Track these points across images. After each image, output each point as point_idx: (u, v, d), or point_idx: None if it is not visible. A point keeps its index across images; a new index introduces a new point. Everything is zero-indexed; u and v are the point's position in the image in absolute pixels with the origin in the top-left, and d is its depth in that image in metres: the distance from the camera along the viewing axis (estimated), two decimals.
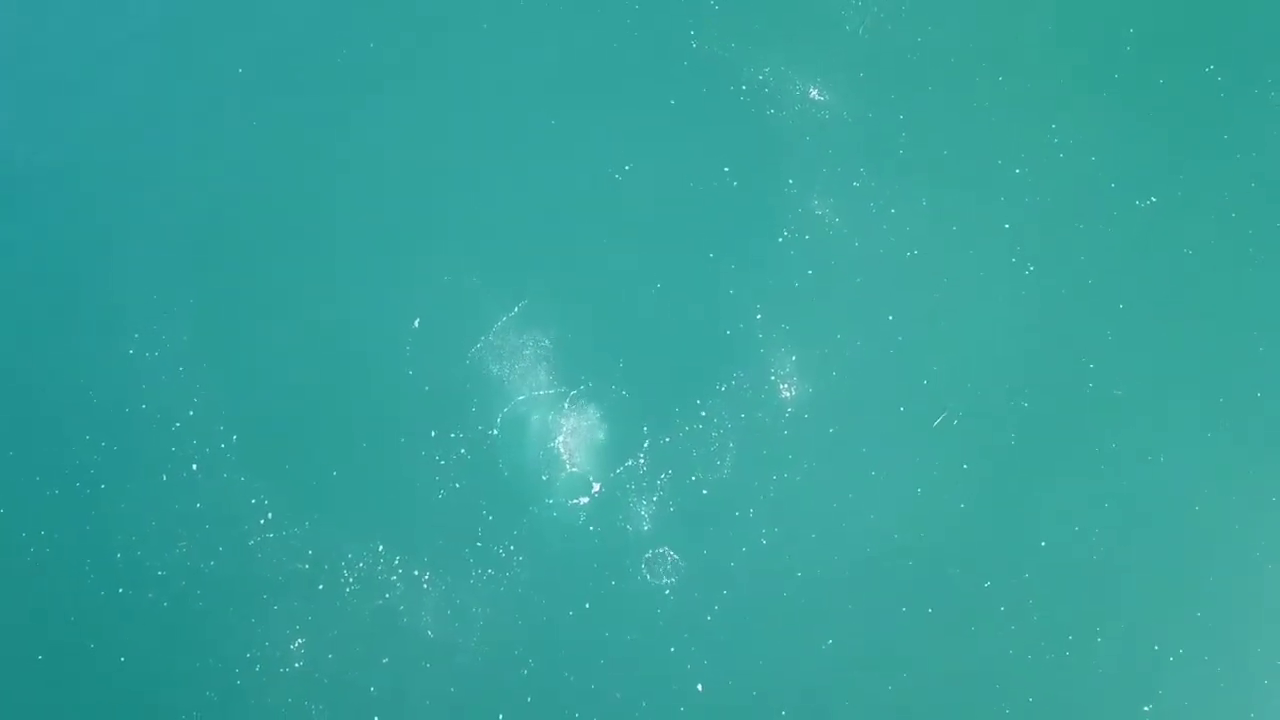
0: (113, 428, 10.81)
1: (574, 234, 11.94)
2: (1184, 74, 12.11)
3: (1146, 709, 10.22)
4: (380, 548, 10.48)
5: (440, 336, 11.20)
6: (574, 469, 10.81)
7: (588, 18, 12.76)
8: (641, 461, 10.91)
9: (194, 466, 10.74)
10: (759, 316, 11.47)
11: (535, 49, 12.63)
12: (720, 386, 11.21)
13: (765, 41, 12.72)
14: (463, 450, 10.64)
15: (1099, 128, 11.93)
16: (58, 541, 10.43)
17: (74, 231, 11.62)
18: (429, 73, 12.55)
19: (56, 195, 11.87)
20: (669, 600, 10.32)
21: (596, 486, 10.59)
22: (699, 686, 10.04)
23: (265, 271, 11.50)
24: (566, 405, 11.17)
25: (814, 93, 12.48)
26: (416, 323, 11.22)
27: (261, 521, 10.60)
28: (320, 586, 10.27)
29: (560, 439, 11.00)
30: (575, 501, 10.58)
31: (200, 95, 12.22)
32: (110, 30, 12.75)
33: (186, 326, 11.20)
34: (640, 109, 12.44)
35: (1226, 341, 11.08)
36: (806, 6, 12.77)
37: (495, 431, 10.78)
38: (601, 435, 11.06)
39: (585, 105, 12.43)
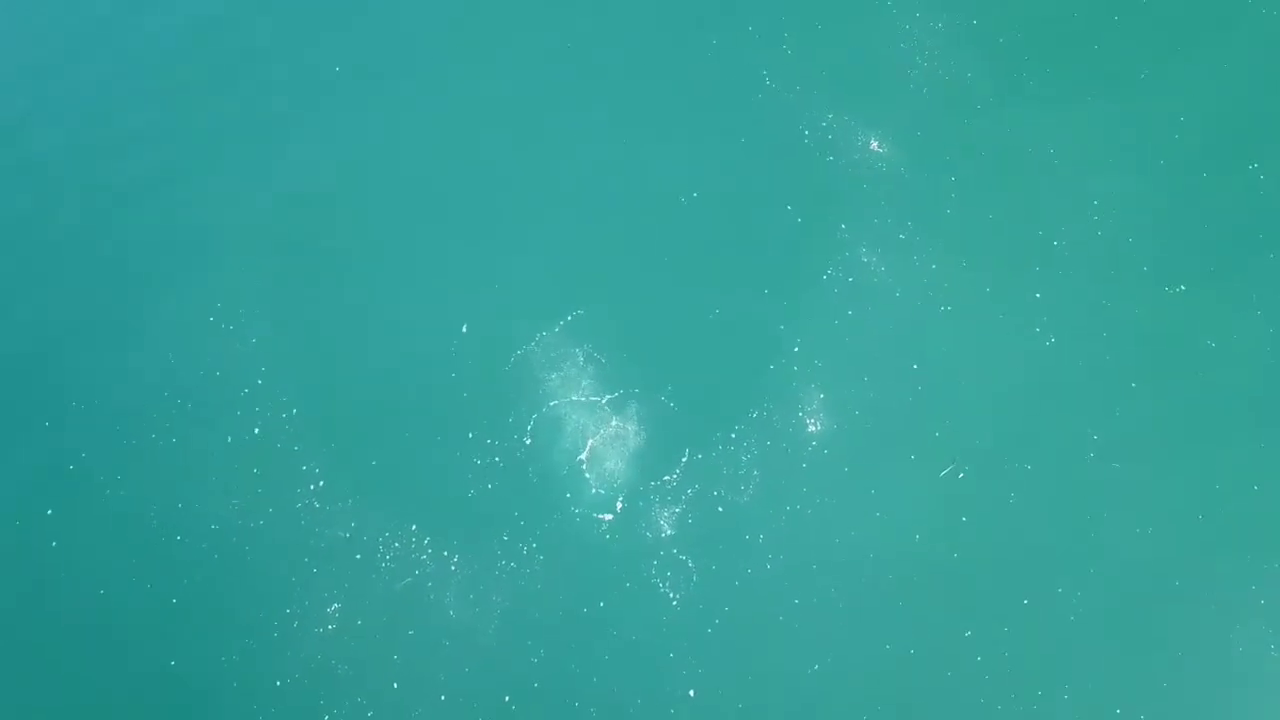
0: (189, 387, 12.05)
1: (635, 252, 12.96)
2: (1228, 169, 12.82)
3: None
4: (414, 527, 11.56)
5: (487, 342, 12.23)
6: (600, 489, 11.72)
7: (673, 50, 13.84)
8: (676, 476, 11.84)
9: (256, 430, 11.91)
10: (796, 349, 12.41)
11: (621, 74, 13.76)
12: (753, 413, 12.13)
13: (832, 90, 13.61)
14: (497, 458, 11.64)
15: (1140, 212, 12.69)
16: (130, 486, 11.64)
17: (180, 214, 12.91)
18: (509, 88, 13.60)
19: (166, 183, 13.17)
20: (674, 609, 11.25)
21: (620, 504, 11.61)
22: (691, 692, 10.94)
23: (337, 267, 12.68)
24: (604, 415, 12.16)
25: (874, 144, 13.34)
26: (464, 328, 12.29)
27: (311, 487, 11.75)
28: (358, 556, 11.36)
29: (593, 448, 11.99)
30: (601, 516, 11.58)
31: (299, 99, 13.47)
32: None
33: (265, 306, 12.41)
34: (712, 139, 13.50)
35: (1229, 435, 11.73)
36: (874, 63, 13.70)
37: (529, 440, 11.76)
38: (637, 444, 12.00)
39: (661, 130, 13.49)
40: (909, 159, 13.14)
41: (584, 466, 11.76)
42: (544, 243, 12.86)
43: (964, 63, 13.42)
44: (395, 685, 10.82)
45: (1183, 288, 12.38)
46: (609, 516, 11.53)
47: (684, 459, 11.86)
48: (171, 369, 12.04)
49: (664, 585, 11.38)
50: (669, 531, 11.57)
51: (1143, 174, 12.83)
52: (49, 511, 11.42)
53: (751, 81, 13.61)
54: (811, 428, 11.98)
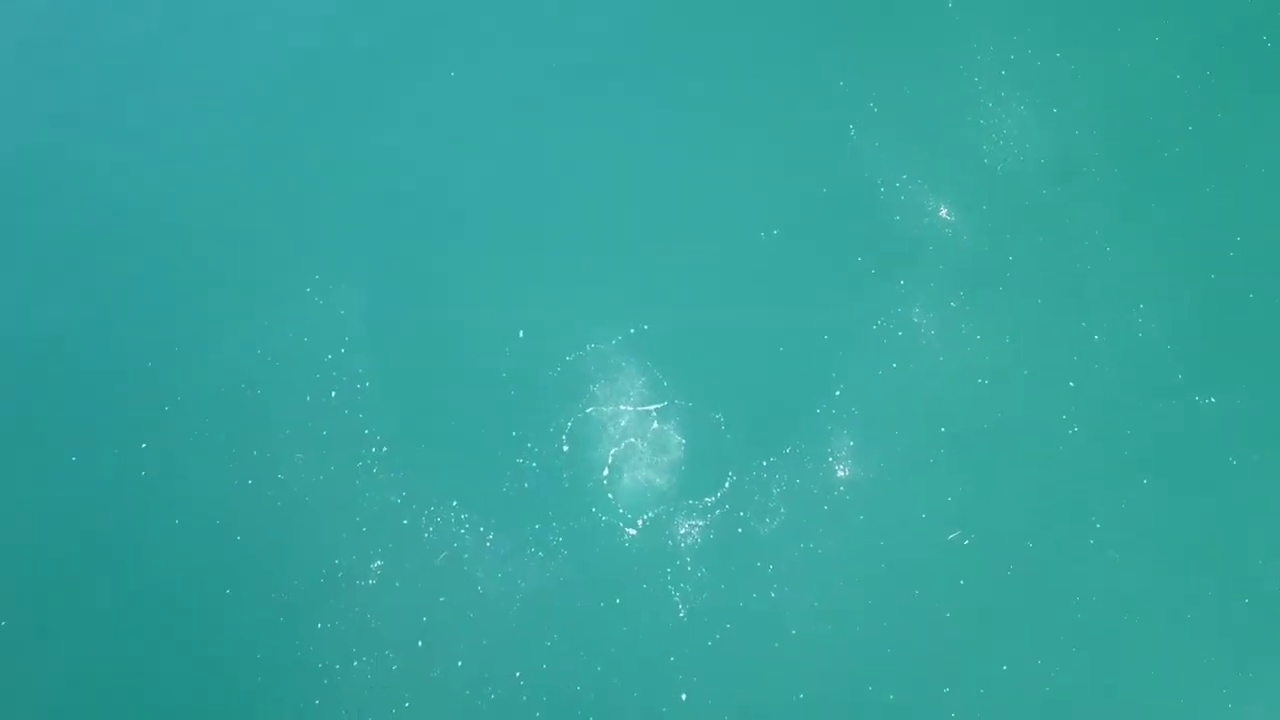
0: (280, 348, 13.40)
1: (706, 279, 13.99)
2: (1275, 290, 13.58)
3: None
4: (454, 503, 12.84)
5: (540, 350, 13.44)
6: (630, 496, 12.87)
7: (769, 94, 14.82)
8: (706, 495, 12.96)
9: (333, 394, 13.26)
10: (838, 394, 13.43)
11: (721, 113, 14.74)
12: (787, 449, 13.18)
13: (910, 152, 14.52)
14: (534, 465, 12.85)
15: (1183, 321, 13.52)
16: (212, 431, 13.03)
17: (293, 195, 14.27)
18: (612, 113, 14.69)
19: (274, 161, 14.51)
20: (681, 618, 12.41)
21: (648, 513, 12.78)
22: (683, 696, 12.12)
23: (422, 261, 13.91)
24: (645, 428, 13.29)
25: (943, 211, 14.24)
26: (521, 334, 13.51)
27: (373, 450, 13.07)
28: (404, 522, 12.68)
29: (629, 456, 13.14)
30: (627, 526, 12.76)
31: (409, 107, 14.76)
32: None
33: (355, 287, 13.71)
34: (796, 181, 14.48)
35: (1230, 548, 12.61)
36: (953, 133, 14.56)
37: (566, 448, 12.95)
38: (673, 459, 13.10)
39: (749, 167, 14.51)
40: (972, 230, 14.05)
41: (618, 473, 12.93)
42: (620, 258, 13.98)
43: (1038, 147, 14.24)
44: (420, 644, 12.17)
45: (1212, 400, 13.19)
46: (636, 525, 12.70)
47: (717, 480, 12.96)
48: (266, 329, 13.40)
49: (676, 594, 12.54)
50: (689, 545, 12.73)
51: (1192, 285, 13.63)
52: (143, 445, 12.91)
53: (838, 132, 14.55)
54: (839, 473, 13.03)
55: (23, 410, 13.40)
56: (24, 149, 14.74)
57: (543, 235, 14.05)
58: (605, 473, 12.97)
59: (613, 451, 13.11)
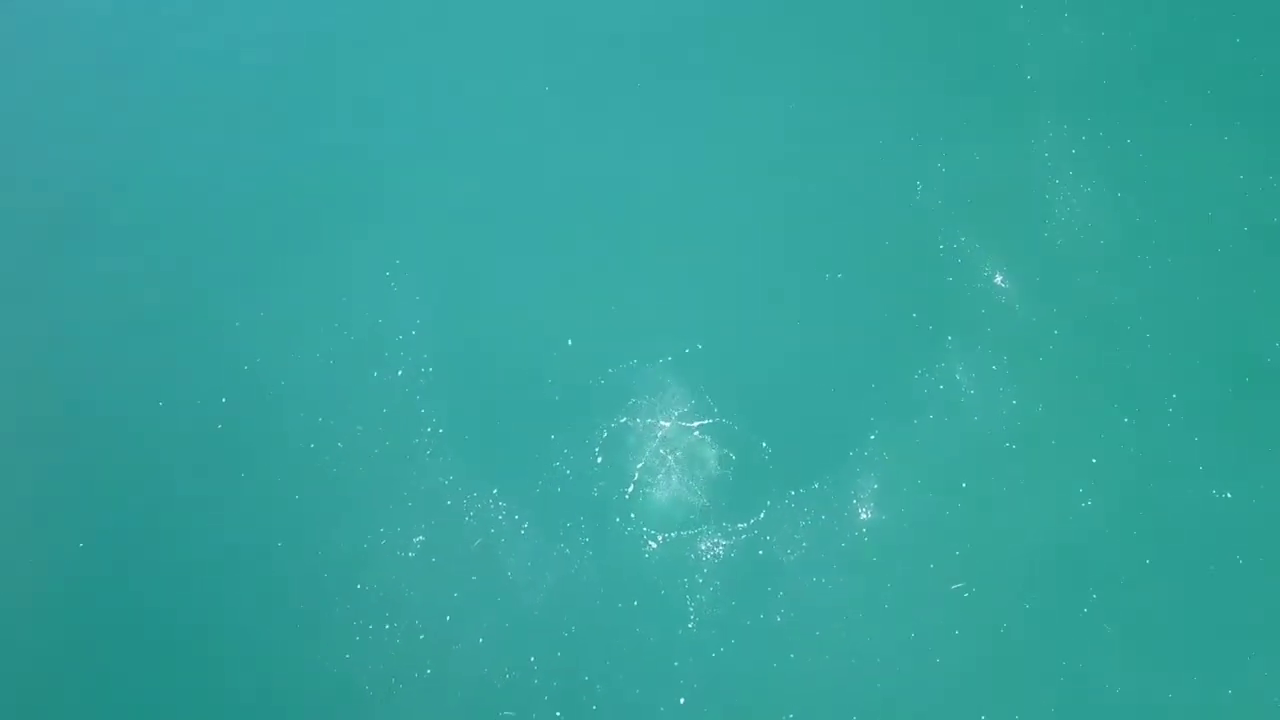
0: (355, 324, 14.68)
1: (765, 314, 14.94)
2: None
3: None
4: (495, 491, 14.01)
5: (587, 358, 14.50)
6: (659, 507, 13.93)
7: (843, 144, 15.68)
8: (735, 517, 13.96)
9: (399, 373, 14.47)
10: (872, 438, 14.29)
11: (796, 159, 15.63)
12: (815, 484, 14.11)
13: (973, 216, 15.29)
14: (568, 471, 13.94)
15: (1211, 416, 14.15)
16: (290, 393, 14.35)
17: (376, 187, 15.56)
18: (696, 150, 15.70)
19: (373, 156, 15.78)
20: (690, 628, 13.43)
21: (675, 526, 13.79)
22: (681, 700, 13.17)
23: (492, 256, 15.09)
24: (681, 443, 14.29)
25: (998, 278, 14.98)
26: (570, 341, 14.58)
27: (427, 430, 14.25)
28: (448, 503, 13.86)
29: (661, 468, 14.16)
30: (653, 534, 13.80)
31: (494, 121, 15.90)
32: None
33: (430, 276, 14.92)
34: (862, 230, 15.32)
35: (1226, 643, 13.23)
36: (1017, 203, 15.28)
37: (600, 459, 14.02)
38: (706, 476, 14.10)
39: (819, 213, 15.38)
40: (1023, 300, 14.77)
41: (651, 486, 13.96)
42: (684, 281, 14.98)
43: (1098, 229, 14.91)
44: (448, 618, 13.37)
45: (1229, 495, 13.83)
46: (662, 536, 13.75)
47: (750, 506, 13.93)
48: (344, 306, 14.69)
49: (690, 604, 13.58)
50: (710, 560, 13.74)
51: (1226, 384, 14.26)
52: (223, 400, 14.27)
53: (905, 187, 15.36)
54: (862, 514, 13.93)
55: (125, 365, 14.78)
56: (122, 142, 16.11)
57: (612, 250, 15.11)
58: (633, 484, 13.97)
59: (639, 465, 14.13)
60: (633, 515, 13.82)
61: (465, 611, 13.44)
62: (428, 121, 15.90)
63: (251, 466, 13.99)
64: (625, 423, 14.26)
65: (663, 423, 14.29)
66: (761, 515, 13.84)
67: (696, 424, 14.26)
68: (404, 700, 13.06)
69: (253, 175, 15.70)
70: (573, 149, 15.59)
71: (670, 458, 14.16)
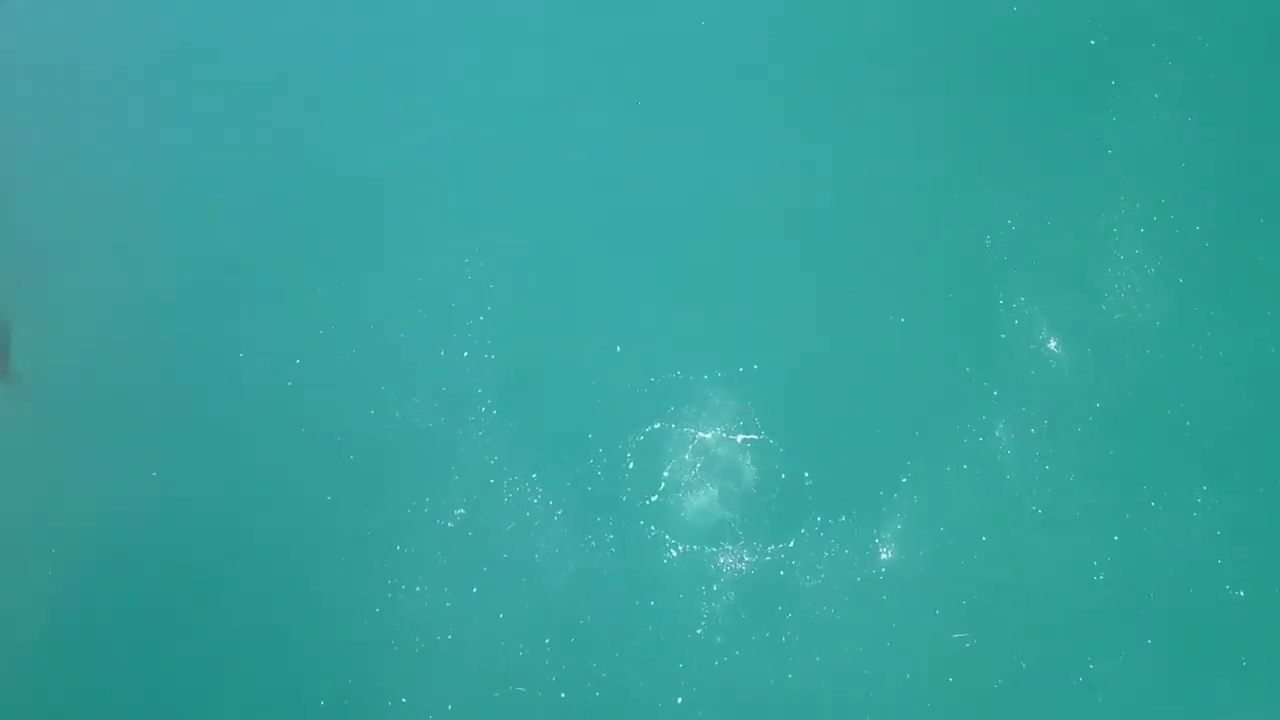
0: (429, 304, 15.66)
1: (822, 348, 15.58)
2: None
3: None
4: (534, 476, 14.96)
5: (634, 366, 15.34)
6: (689, 515, 14.79)
7: (912, 192, 16.22)
8: (761, 536, 14.68)
9: (465, 354, 15.45)
10: (904, 480, 14.91)
11: (870, 193, 16.23)
12: (842, 517, 14.78)
13: (1036, 277, 15.72)
14: (600, 472, 14.82)
15: (1239, 514, 14.53)
16: (357, 360, 15.44)
17: (463, 177, 16.51)
18: (759, 174, 16.36)
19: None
20: (699, 634, 14.25)
21: (682, 547, 14.65)
22: (679, 700, 14.05)
23: (564, 254, 15.99)
24: (718, 454, 15.05)
25: (1052, 342, 15.43)
26: (618, 348, 15.44)
27: (481, 410, 15.22)
28: (491, 481, 14.86)
29: (693, 476, 14.94)
30: (670, 550, 14.67)
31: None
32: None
33: (505, 268, 15.85)
34: (928, 278, 15.82)
35: None
36: (1079, 271, 15.67)
37: (631, 465, 14.87)
38: (740, 491, 14.86)
39: (887, 254, 15.97)
40: (1072, 368, 15.22)
41: (677, 492, 14.80)
42: (748, 304, 15.72)
43: (1156, 310, 15.28)
44: (474, 590, 14.42)
45: (1242, 594, 14.20)
46: (683, 546, 14.62)
47: (781, 530, 14.66)
48: (421, 286, 15.71)
49: (704, 611, 14.40)
50: (730, 572, 14.56)
51: (1258, 485, 14.56)
52: (297, 360, 15.45)
53: (975, 239, 15.86)
54: (882, 553, 14.60)
55: (223, 322, 15.95)
56: (223, 126, 17.09)
57: (681, 266, 15.87)
58: (658, 493, 14.79)
59: (666, 473, 14.93)
60: (655, 521, 14.68)
61: (491, 586, 14.48)
62: (522, 127, 16.74)
63: (313, 423, 15.16)
64: (659, 429, 15.06)
65: (700, 434, 15.11)
66: (791, 543, 14.61)
67: (741, 437, 15.08)
68: (424, 660, 14.18)
69: (358, 160, 16.70)
70: (657, 166, 16.36)
71: (699, 468, 14.96)
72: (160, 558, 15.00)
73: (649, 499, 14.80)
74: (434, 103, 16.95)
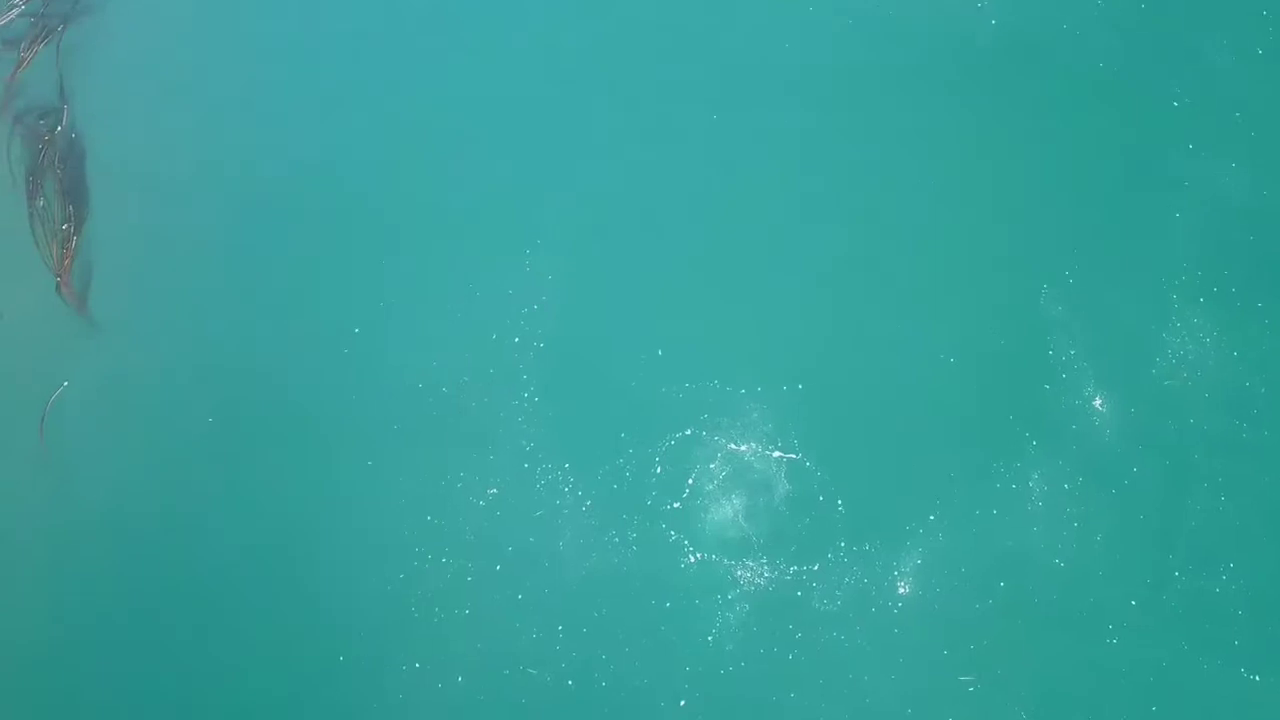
0: (489, 290, 15.97)
1: (865, 373, 15.79)
2: None
3: None
4: (567, 465, 15.33)
5: (673, 373, 15.67)
6: (715, 526, 15.09)
7: (979, 226, 16.36)
8: (784, 555, 14.97)
9: (515, 339, 15.84)
10: (931, 518, 15.08)
11: (938, 231, 16.34)
12: (866, 545, 14.97)
13: (1088, 333, 15.71)
14: (628, 474, 15.15)
15: (1263, 594, 14.46)
16: (411, 338, 15.84)
17: (529, 172, 16.87)
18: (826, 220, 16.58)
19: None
20: (708, 641, 14.56)
21: (701, 555, 15.01)
22: (681, 702, 14.40)
23: (624, 253, 16.30)
24: (752, 469, 15.35)
25: (1098, 400, 15.50)
26: (660, 352, 15.77)
27: (525, 395, 15.59)
28: (525, 466, 15.28)
29: (719, 489, 15.23)
30: (690, 556, 15.00)
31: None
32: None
33: (567, 258, 16.19)
34: (979, 320, 15.95)
35: None
36: (1134, 333, 15.67)
37: (659, 469, 15.19)
38: (769, 508, 15.15)
39: (945, 293, 16.09)
40: (1114, 429, 15.19)
41: (703, 501, 15.14)
42: (798, 325, 15.96)
43: (1207, 381, 15.22)
44: (497, 568, 14.83)
45: (1257, 678, 14.23)
46: (702, 554, 14.95)
47: (810, 552, 14.94)
48: (482, 271, 16.07)
49: (716, 617, 14.73)
50: (750, 585, 14.85)
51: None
52: (356, 330, 15.87)
53: (1030, 288, 15.88)
54: (900, 588, 14.81)
55: (291, 291, 16.43)
56: (309, 128, 17.38)
57: (741, 281, 16.12)
58: (680, 500, 15.13)
59: (691, 480, 15.24)
60: (677, 527, 15.00)
61: (513, 567, 14.89)
62: (606, 128, 17.08)
63: (361, 389, 15.64)
64: (690, 435, 15.35)
65: (731, 445, 15.38)
66: (816, 566, 14.87)
67: (778, 454, 15.36)
68: (440, 630, 14.64)
69: (443, 148, 17.10)
70: (736, 183, 16.59)
71: (726, 479, 15.22)
72: (208, 509, 15.55)
73: (672, 504, 15.16)
74: (517, 98, 17.31)
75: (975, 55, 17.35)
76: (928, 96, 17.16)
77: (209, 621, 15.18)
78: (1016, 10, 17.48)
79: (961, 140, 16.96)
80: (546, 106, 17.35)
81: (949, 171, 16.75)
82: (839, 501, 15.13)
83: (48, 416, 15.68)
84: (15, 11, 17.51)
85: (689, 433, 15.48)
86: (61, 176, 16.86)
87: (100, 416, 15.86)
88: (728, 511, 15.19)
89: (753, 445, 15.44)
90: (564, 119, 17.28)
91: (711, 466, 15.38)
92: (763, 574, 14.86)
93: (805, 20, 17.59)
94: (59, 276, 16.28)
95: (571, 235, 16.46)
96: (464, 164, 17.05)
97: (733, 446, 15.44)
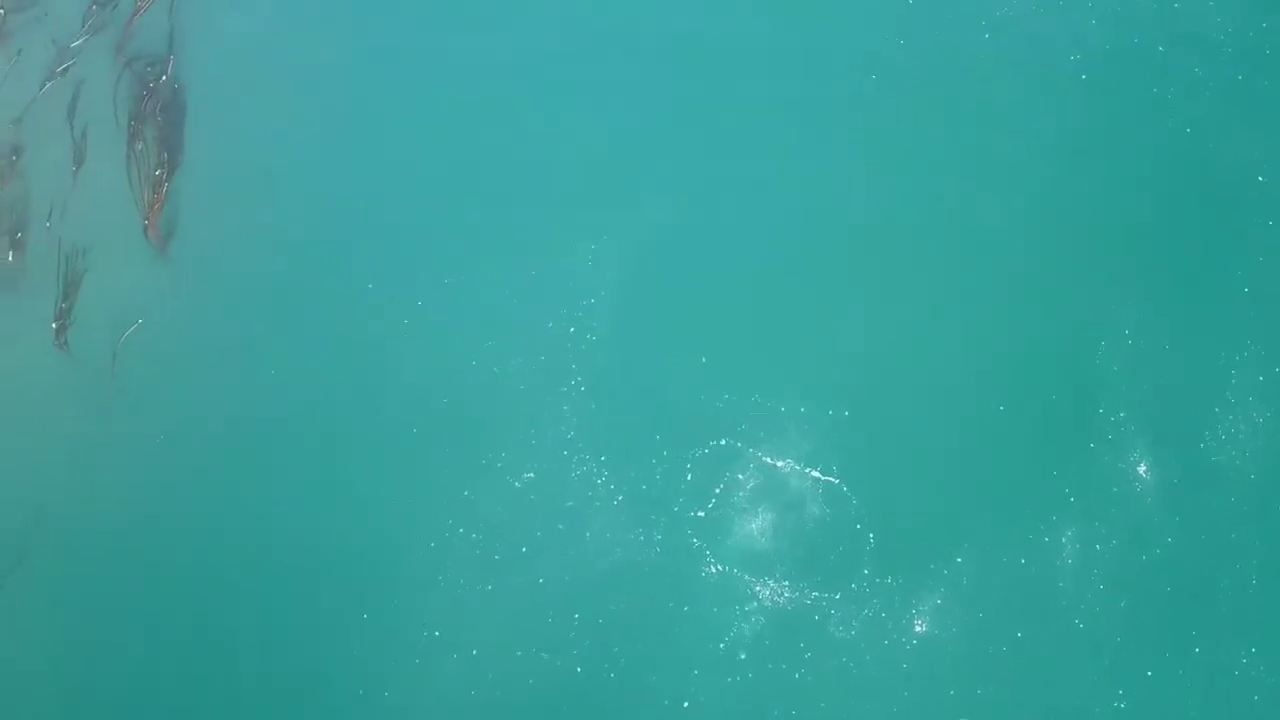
0: (550, 280, 16.49)
1: (913, 410, 15.98)
2: None
3: None
4: (603, 458, 15.73)
5: (715, 383, 16.02)
6: (741, 539, 15.39)
7: (1047, 275, 16.52)
8: (810, 577, 15.24)
9: (570, 329, 16.26)
10: (959, 560, 15.22)
11: (1001, 277, 16.57)
12: (889, 579, 15.18)
13: (1141, 395, 15.80)
14: (658, 475, 15.50)
15: (1273, 678, 14.49)
16: (469, 317, 16.32)
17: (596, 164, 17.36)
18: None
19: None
20: (720, 648, 14.87)
21: (722, 567, 15.28)
22: (685, 704, 14.72)
23: (683, 254, 16.72)
24: (783, 486, 15.64)
25: (1142, 467, 15.52)
26: (704, 359, 16.14)
27: (570, 383, 16.01)
28: (564, 453, 15.70)
29: (746, 498, 15.52)
30: (711, 567, 15.30)
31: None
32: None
33: (629, 251, 16.62)
34: (1035, 371, 16.09)
35: None
36: (1188, 403, 15.74)
37: (690, 476, 15.51)
38: (796, 527, 15.43)
39: (1005, 341, 16.30)
40: (1155, 496, 15.33)
41: (735, 513, 15.44)
42: (847, 352, 16.24)
43: (1256, 460, 15.27)
44: (523, 550, 15.29)
45: None
46: (723, 567, 15.26)
47: (833, 580, 15.19)
48: (546, 261, 16.56)
49: (730, 627, 15.01)
50: (768, 601, 15.12)
51: None
52: (419, 303, 16.43)
53: (1088, 344, 16.01)
54: (916, 626, 15.00)
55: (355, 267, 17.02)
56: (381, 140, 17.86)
57: (800, 302, 16.45)
58: (705, 510, 15.45)
59: (719, 489, 15.54)
60: (699, 535, 15.34)
61: (539, 551, 15.33)
62: (677, 133, 17.51)
63: (415, 361, 16.19)
64: (724, 445, 15.66)
65: (765, 459, 15.64)
66: (838, 595, 15.10)
67: (816, 474, 15.59)
68: (462, 602, 15.11)
69: (521, 141, 17.59)
70: (806, 196, 16.95)
71: (757, 493, 15.51)
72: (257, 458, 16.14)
73: (698, 511, 15.47)
74: (604, 98, 17.83)
75: (1067, 97, 17.51)
76: (1008, 141, 17.30)
77: (249, 555, 15.68)
78: (1108, 69, 17.64)
79: (1043, 188, 17.05)
80: (632, 108, 17.80)
81: (1023, 218, 16.86)
82: (870, 534, 15.38)
83: (120, 350, 16.54)
84: None
85: (723, 443, 15.80)
86: (161, 124, 17.75)
87: (169, 356, 16.59)
88: (752, 527, 15.49)
89: (789, 462, 15.72)
90: (646, 123, 17.69)
91: (740, 478, 15.70)
92: (784, 593, 15.15)
93: (882, 41, 17.96)
94: (147, 220, 17.15)
95: (636, 235, 16.86)
96: (547, 155, 17.49)
97: (767, 461, 15.74)
